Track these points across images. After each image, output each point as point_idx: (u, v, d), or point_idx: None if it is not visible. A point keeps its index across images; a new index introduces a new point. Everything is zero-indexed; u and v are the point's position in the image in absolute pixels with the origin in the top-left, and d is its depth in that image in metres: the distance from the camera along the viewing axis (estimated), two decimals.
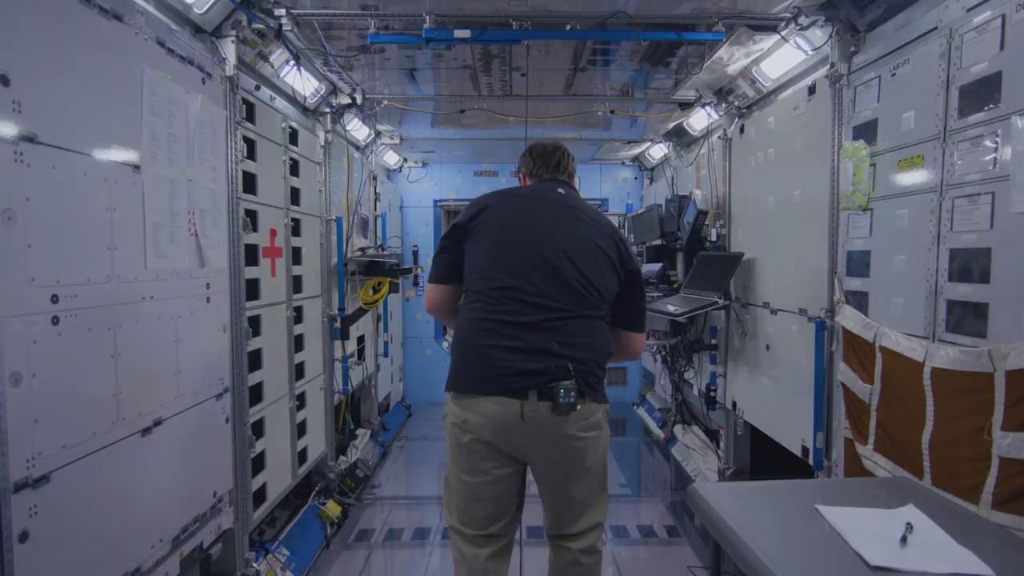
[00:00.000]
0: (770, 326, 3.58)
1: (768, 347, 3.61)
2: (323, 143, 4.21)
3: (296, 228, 3.74)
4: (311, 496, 3.97)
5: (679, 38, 3.11)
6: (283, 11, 2.90)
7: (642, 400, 6.89)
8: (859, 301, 2.69)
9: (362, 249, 5.01)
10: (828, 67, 2.90)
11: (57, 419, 1.76)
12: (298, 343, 3.74)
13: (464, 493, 2.19)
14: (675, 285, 4.82)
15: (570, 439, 2.09)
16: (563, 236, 2.12)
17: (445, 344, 7.32)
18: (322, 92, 4.07)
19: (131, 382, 2.10)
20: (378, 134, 5.47)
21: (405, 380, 7.08)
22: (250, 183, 3.12)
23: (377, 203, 5.74)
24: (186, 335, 2.45)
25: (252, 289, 3.13)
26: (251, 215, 3.13)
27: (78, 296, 1.84)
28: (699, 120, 4.70)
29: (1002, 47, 1.94)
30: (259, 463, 3.20)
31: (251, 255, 3.12)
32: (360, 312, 4.73)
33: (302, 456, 3.80)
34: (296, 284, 3.72)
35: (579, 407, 2.04)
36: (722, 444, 4.43)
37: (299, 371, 3.76)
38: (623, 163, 7.09)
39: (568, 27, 3.07)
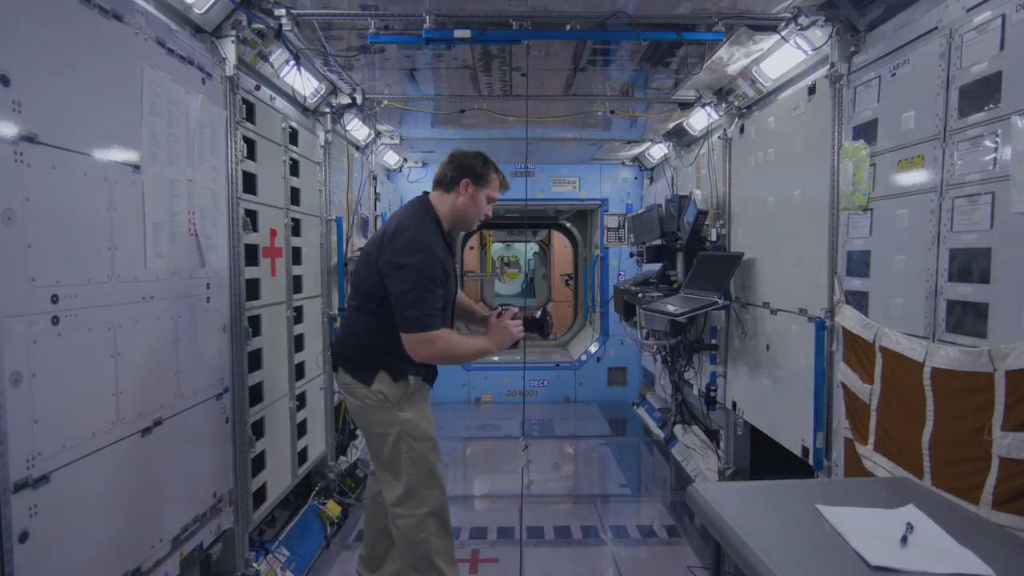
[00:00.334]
0: (770, 326, 3.58)
1: (768, 347, 3.61)
2: (323, 143, 4.21)
3: (296, 228, 3.74)
4: (311, 496, 3.97)
5: (679, 38, 3.11)
6: (283, 11, 2.90)
7: (642, 400, 6.90)
8: (859, 301, 2.69)
9: (362, 249, 5.00)
10: (828, 67, 2.90)
11: (57, 419, 1.76)
12: (298, 343, 3.74)
13: None
14: (675, 285, 4.82)
15: (342, 389, 2.69)
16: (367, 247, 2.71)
17: None
18: (322, 92, 4.07)
19: (131, 382, 2.10)
20: (378, 134, 5.47)
21: None
22: (250, 183, 3.12)
23: (377, 203, 5.74)
24: (186, 335, 2.45)
25: (252, 289, 3.13)
26: (251, 215, 3.13)
27: (78, 296, 1.84)
28: (699, 120, 4.70)
29: (1002, 47, 1.94)
30: (259, 463, 3.20)
31: (251, 255, 3.12)
32: None
33: (302, 456, 3.80)
34: (296, 284, 3.73)
35: (337, 373, 2.67)
36: (722, 444, 4.43)
37: (299, 371, 3.76)
38: (623, 163, 7.09)
39: (568, 27, 3.07)
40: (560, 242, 11.29)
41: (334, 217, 4.36)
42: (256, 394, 3.17)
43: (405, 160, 6.94)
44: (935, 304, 2.21)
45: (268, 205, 3.32)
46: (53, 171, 1.75)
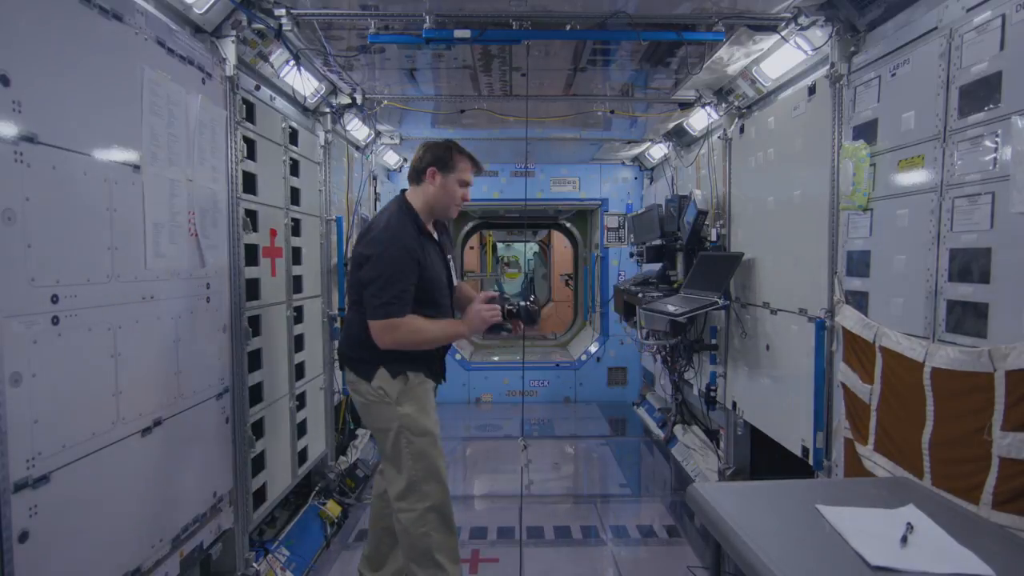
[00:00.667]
0: (770, 326, 3.58)
1: (768, 347, 3.61)
2: (323, 143, 4.22)
3: (296, 228, 3.74)
4: (311, 496, 3.97)
5: (679, 38, 3.11)
6: (283, 11, 2.89)
7: (642, 400, 6.90)
8: (859, 301, 2.69)
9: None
10: (828, 67, 2.90)
11: (57, 419, 1.76)
12: (298, 343, 3.74)
13: None
14: (675, 285, 4.82)
15: (349, 387, 2.80)
16: None
17: None
18: (322, 92, 4.07)
19: (131, 382, 2.10)
20: (378, 134, 5.47)
21: None
22: (250, 183, 3.12)
23: (377, 203, 5.74)
24: (186, 335, 2.45)
25: (252, 289, 3.13)
26: (251, 215, 3.13)
27: (78, 296, 1.84)
28: (699, 120, 4.70)
29: (1002, 47, 1.94)
30: (259, 463, 3.20)
31: (251, 255, 3.12)
32: None
33: (302, 456, 3.80)
34: (296, 284, 3.73)
35: (345, 372, 2.81)
36: (722, 444, 4.43)
37: (299, 371, 3.76)
38: (623, 163, 7.09)
39: (568, 27, 3.07)
40: (560, 242, 11.30)
41: (334, 217, 4.36)
42: (256, 394, 3.17)
43: (405, 160, 6.93)
44: (935, 304, 2.21)
45: (268, 205, 3.32)
46: (53, 171, 1.75)
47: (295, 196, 3.72)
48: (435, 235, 2.81)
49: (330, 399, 4.29)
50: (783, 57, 3.35)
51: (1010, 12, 1.91)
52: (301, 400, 3.80)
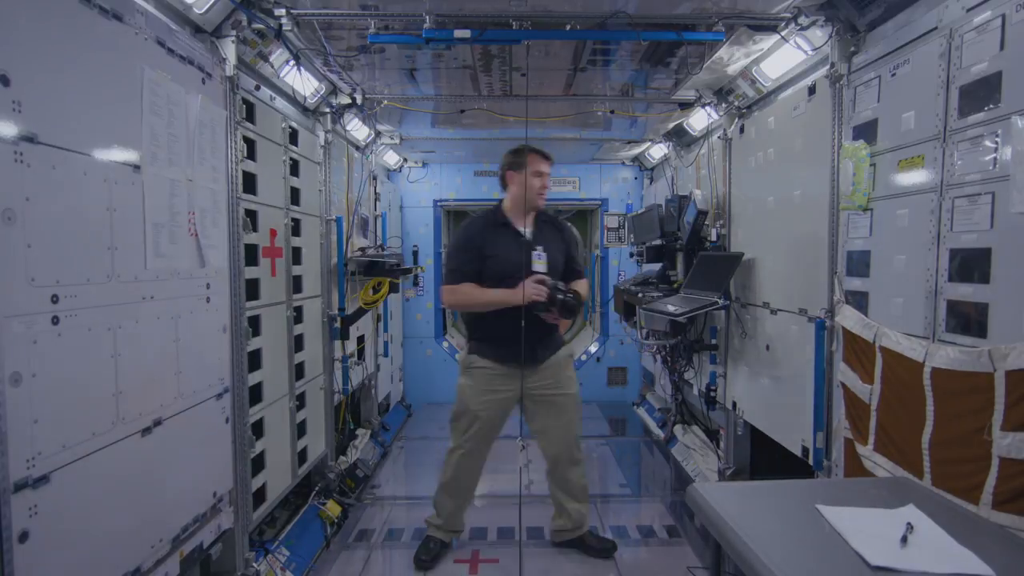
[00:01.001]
0: (770, 326, 3.58)
1: (768, 347, 3.61)
2: (323, 143, 4.21)
3: (296, 228, 3.74)
4: (311, 496, 3.97)
5: (679, 38, 3.11)
6: (283, 11, 2.89)
7: (642, 400, 6.89)
8: (859, 301, 2.69)
9: (362, 249, 5.01)
10: (828, 67, 2.90)
11: (57, 419, 1.76)
12: (298, 343, 3.74)
13: None
14: (675, 285, 4.82)
15: None
16: None
17: (445, 344, 7.32)
18: (322, 92, 4.07)
19: (131, 382, 2.10)
20: (378, 134, 5.47)
21: (405, 380, 7.08)
22: (250, 183, 3.12)
23: (377, 203, 5.74)
24: (186, 335, 2.45)
25: (252, 289, 3.13)
26: (251, 215, 3.13)
27: (78, 296, 1.84)
28: (699, 120, 4.70)
29: (1002, 47, 1.94)
30: (259, 463, 3.20)
31: (251, 255, 3.12)
32: (360, 312, 4.73)
33: (302, 456, 3.80)
34: (296, 284, 3.72)
35: None
36: (722, 444, 4.43)
37: (299, 371, 3.76)
38: (623, 163, 7.09)
39: (568, 27, 3.07)
40: None
41: (334, 217, 4.36)
42: (256, 394, 3.17)
43: (405, 160, 6.94)
44: (935, 304, 2.21)
45: (268, 205, 3.32)
46: (53, 171, 1.75)
47: (295, 196, 3.71)
48: (523, 228, 3.33)
49: (330, 399, 4.29)
50: (783, 57, 3.35)
51: (1010, 12, 1.91)
52: (301, 400, 3.80)
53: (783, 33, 3.05)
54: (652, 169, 6.71)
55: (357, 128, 4.93)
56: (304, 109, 3.95)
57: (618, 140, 5.97)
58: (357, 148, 5.18)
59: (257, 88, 3.20)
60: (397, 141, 5.68)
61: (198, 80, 2.56)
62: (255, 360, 3.17)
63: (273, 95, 3.44)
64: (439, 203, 7.17)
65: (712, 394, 4.37)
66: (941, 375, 2.11)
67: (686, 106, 4.53)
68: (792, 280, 3.35)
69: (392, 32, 3.13)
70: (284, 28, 2.97)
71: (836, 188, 2.84)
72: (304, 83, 3.65)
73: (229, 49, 2.79)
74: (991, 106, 1.98)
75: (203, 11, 2.61)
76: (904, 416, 2.30)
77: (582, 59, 3.66)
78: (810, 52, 3.08)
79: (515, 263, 3.19)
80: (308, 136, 3.96)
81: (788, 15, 2.95)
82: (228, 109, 2.81)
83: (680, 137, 5.39)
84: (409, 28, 3.08)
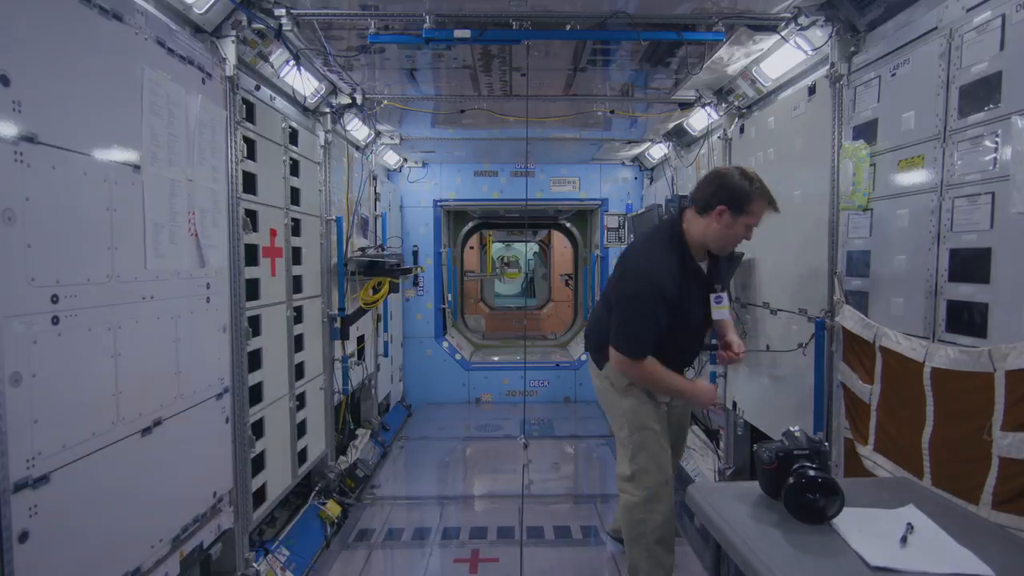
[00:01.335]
0: (770, 326, 3.58)
1: (768, 347, 3.61)
2: (323, 143, 4.21)
3: (296, 228, 3.74)
4: (311, 496, 3.97)
5: (679, 38, 3.11)
6: (283, 11, 2.90)
7: None
8: (859, 301, 2.69)
9: (362, 249, 5.01)
10: (828, 67, 2.90)
11: (57, 419, 1.76)
12: (298, 343, 3.74)
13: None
14: None
15: (590, 369, 3.21)
16: None
17: (445, 344, 7.33)
18: (322, 92, 4.07)
19: (131, 382, 2.10)
20: (378, 134, 5.47)
21: (405, 380, 7.09)
22: (250, 183, 3.12)
23: (377, 203, 5.74)
24: (186, 335, 2.45)
25: (252, 289, 3.13)
26: (251, 215, 3.13)
27: (78, 296, 1.84)
28: (699, 120, 4.70)
29: (1002, 47, 1.94)
30: (259, 463, 3.20)
31: (251, 255, 3.12)
32: (360, 312, 4.73)
33: (302, 456, 3.80)
34: (296, 284, 3.72)
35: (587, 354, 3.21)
36: (722, 444, 4.43)
37: (299, 371, 3.76)
38: (623, 163, 7.09)
39: (568, 27, 3.07)
40: (560, 242, 11.31)
41: (334, 217, 4.36)
42: (256, 394, 3.17)
43: (405, 160, 6.94)
44: (935, 304, 2.21)
45: (268, 205, 3.32)
46: (53, 171, 1.75)
47: (295, 196, 3.72)
48: (703, 267, 2.72)
49: (330, 399, 4.29)
50: (783, 57, 3.35)
51: (1010, 12, 1.91)
52: (301, 400, 3.80)
53: (783, 33, 3.05)
54: (652, 169, 6.71)
55: (357, 128, 4.93)
56: (304, 109, 3.95)
57: (618, 140, 5.97)
58: (357, 148, 5.18)
59: (257, 88, 3.20)
60: (397, 141, 5.68)
61: (198, 80, 2.56)
62: (255, 360, 3.17)
63: (273, 95, 3.44)
64: (439, 203, 7.17)
65: None
66: (941, 375, 2.11)
67: (686, 106, 4.53)
68: (792, 280, 3.34)
69: (392, 32, 3.13)
70: (284, 28, 2.97)
71: (836, 188, 2.84)
72: (304, 83, 3.65)
73: (229, 49, 2.79)
74: (991, 106, 1.98)
75: (203, 11, 2.61)
76: (904, 416, 2.30)
77: (582, 59, 3.66)
78: (810, 52, 3.08)
79: (697, 321, 2.74)
80: (308, 136, 3.96)
81: (788, 15, 2.95)
82: (228, 109, 2.81)
83: (680, 137, 5.38)
84: (409, 28, 3.08)
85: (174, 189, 2.37)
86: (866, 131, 2.64)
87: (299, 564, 3.34)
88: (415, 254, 7.00)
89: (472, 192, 7.13)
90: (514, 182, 7.06)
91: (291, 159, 3.64)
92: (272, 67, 3.33)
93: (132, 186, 2.12)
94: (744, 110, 4.00)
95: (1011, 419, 1.83)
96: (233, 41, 2.79)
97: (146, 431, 2.19)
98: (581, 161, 7.03)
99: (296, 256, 3.75)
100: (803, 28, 2.93)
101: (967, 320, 2.06)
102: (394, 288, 5.28)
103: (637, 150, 6.49)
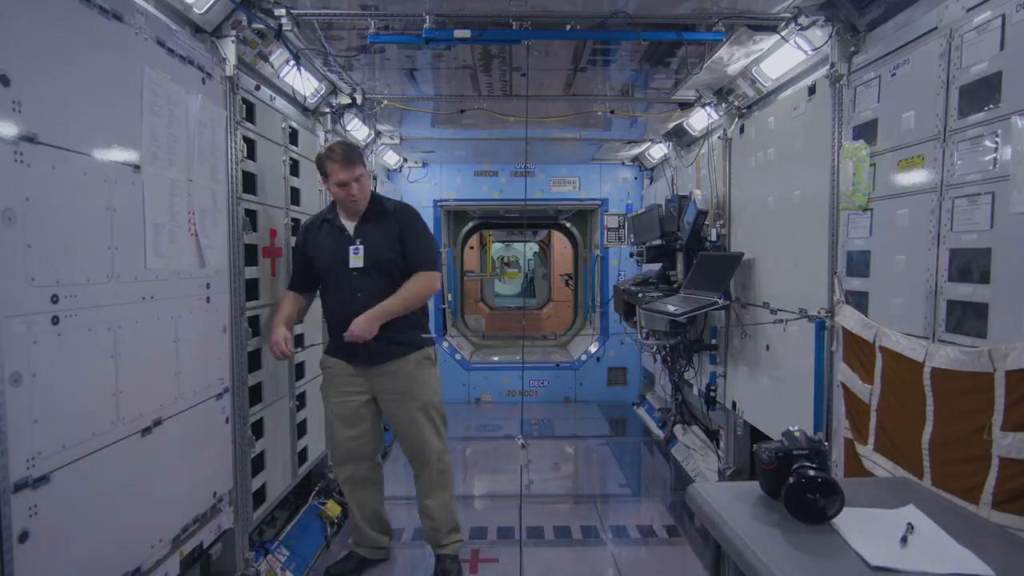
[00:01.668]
0: (770, 326, 3.58)
1: (768, 347, 3.61)
2: (323, 143, 4.21)
3: (296, 228, 3.74)
4: (311, 496, 3.97)
5: (679, 38, 3.11)
6: (283, 11, 2.89)
7: (642, 400, 6.90)
8: (859, 301, 2.69)
9: None
10: (828, 67, 2.90)
11: (57, 419, 1.76)
12: (298, 342, 3.74)
13: None
14: (675, 285, 4.82)
15: None
16: None
17: (445, 344, 7.32)
18: (322, 92, 4.07)
19: (131, 382, 2.10)
20: (378, 134, 5.47)
21: None
22: (250, 183, 3.12)
23: None
24: (186, 335, 2.45)
25: (252, 289, 3.13)
26: (251, 215, 3.13)
27: (78, 296, 1.84)
28: (699, 120, 4.70)
29: (1002, 47, 1.94)
30: (259, 463, 3.20)
31: (251, 255, 3.12)
32: None
33: (302, 456, 3.80)
34: None
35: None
36: (722, 444, 4.44)
37: (299, 371, 3.76)
38: (623, 163, 7.09)
39: (568, 27, 3.07)
40: (560, 242, 11.30)
41: None
42: (256, 394, 3.17)
43: (405, 160, 6.94)
44: (935, 304, 2.21)
45: (268, 205, 3.32)
46: (53, 171, 1.75)
47: (295, 196, 3.71)
48: (349, 225, 3.16)
49: None
50: (783, 57, 3.35)
51: (1010, 12, 1.91)
52: (301, 400, 3.80)
53: (783, 33, 3.05)
54: (652, 169, 6.71)
55: (357, 128, 4.92)
56: (304, 109, 3.95)
57: (618, 140, 5.97)
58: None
59: (257, 88, 3.20)
60: (397, 141, 5.68)
61: (198, 80, 2.56)
62: (255, 360, 3.17)
63: (273, 95, 3.44)
64: (439, 203, 7.17)
65: (712, 394, 4.37)
66: (941, 375, 2.11)
67: (686, 106, 4.53)
68: (792, 280, 3.35)
69: (392, 32, 3.13)
70: (284, 28, 2.97)
71: (836, 188, 2.84)
72: (304, 83, 3.65)
73: (229, 49, 2.79)
74: (991, 106, 1.98)
75: (203, 11, 2.61)
76: (904, 416, 2.30)
77: (582, 59, 3.66)
78: (810, 52, 3.08)
79: (340, 264, 3.11)
80: (308, 136, 3.96)
81: (788, 15, 2.95)
82: (228, 109, 2.81)
83: (680, 137, 5.39)
84: (409, 28, 3.08)
85: (174, 189, 2.37)
86: (866, 131, 2.65)
87: (299, 564, 3.34)
88: None
89: (472, 192, 7.13)
90: (514, 182, 7.06)
91: (291, 159, 3.64)
92: (272, 67, 3.33)
93: (132, 186, 2.12)
94: (744, 110, 4.00)
95: (1011, 419, 1.83)
96: (233, 41, 2.79)
97: (146, 431, 2.19)
98: (581, 161, 7.03)
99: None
100: (803, 28, 2.93)
101: (967, 320, 2.06)
102: None
103: (637, 150, 6.49)
